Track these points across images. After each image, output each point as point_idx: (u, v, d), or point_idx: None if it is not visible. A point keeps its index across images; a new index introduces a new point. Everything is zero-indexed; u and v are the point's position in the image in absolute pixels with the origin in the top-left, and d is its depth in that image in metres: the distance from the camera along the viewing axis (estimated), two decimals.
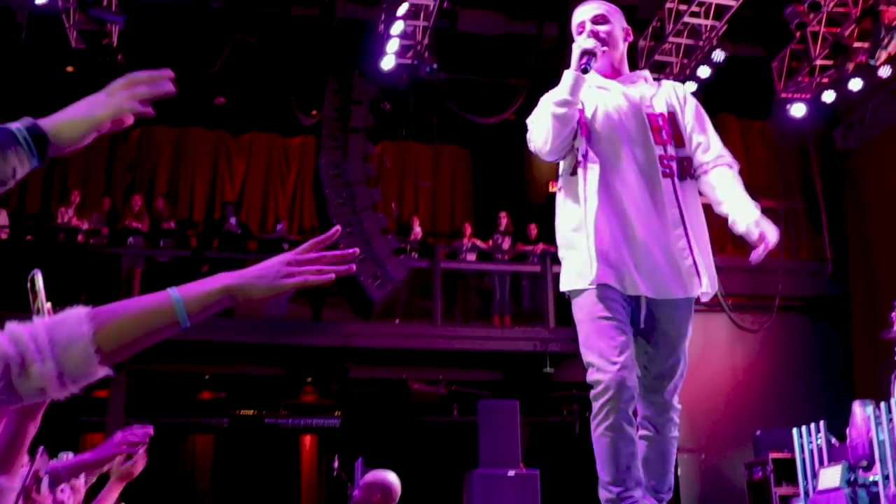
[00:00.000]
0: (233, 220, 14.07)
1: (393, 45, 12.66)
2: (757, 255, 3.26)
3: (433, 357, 13.00)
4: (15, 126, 1.54)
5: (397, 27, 12.37)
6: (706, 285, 3.39)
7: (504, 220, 14.40)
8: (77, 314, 1.54)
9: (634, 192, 3.36)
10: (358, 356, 12.82)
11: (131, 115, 1.76)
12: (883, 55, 11.91)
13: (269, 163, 16.41)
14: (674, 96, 3.59)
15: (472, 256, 14.30)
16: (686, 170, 3.45)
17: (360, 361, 12.90)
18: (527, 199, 15.95)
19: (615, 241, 3.35)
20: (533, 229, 14.47)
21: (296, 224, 16.01)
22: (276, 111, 14.89)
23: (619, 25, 3.63)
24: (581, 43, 3.47)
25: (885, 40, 11.78)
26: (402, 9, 12.05)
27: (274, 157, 16.44)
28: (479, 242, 14.32)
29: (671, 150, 3.43)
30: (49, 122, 1.59)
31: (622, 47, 3.65)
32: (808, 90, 13.35)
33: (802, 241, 14.73)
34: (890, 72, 12.23)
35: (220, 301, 1.69)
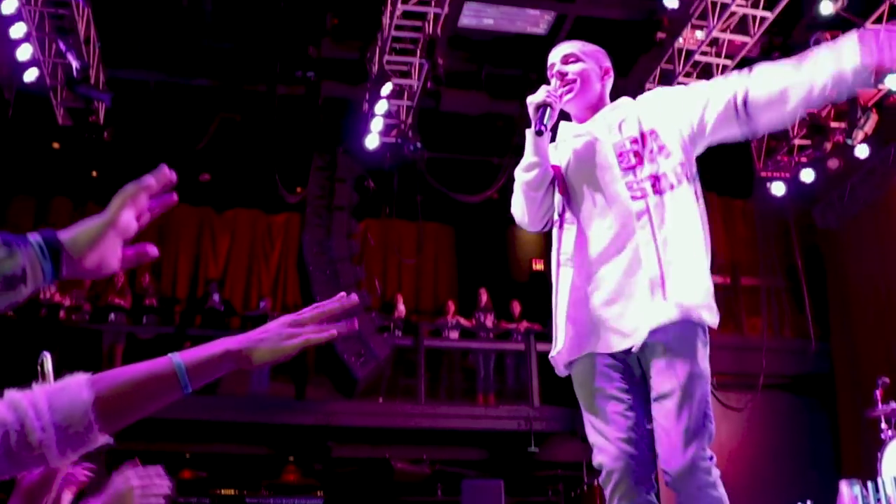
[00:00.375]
0: (216, 297, 14.01)
1: (377, 125, 12.77)
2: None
3: (417, 436, 12.89)
4: (32, 235, 1.49)
5: (381, 106, 12.49)
6: (671, 300, 2.91)
7: (484, 296, 14.38)
8: (77, 381, 1.53)
9: (603, 239, 3.07)
10: (341, 435, 12.71)
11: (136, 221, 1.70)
12: (860, 135, 12.10)
13: (253, 239, 16.42)
14: (649, 105, 3.25)
15: (455, 334, 14.24)
16: (664, 182, 3.04)
17: (343, 440, 12.78)
18: (510, 276, 15.97)
19: (583, 303, 3.10)
20: (516, 307, 14.44)
21: (279, 301, 15.94)
22: (260, 188, 14.93)
23: (593, 63, 3.35)
24: (532, 99, 3.20)
25: (862, 120, 11.99)
26: (387, 89, 12.18)
27: (258, 234, 16.46)
28: (462, 320, 14.29)
29: (642, 172, 3.05)
30: (64, 232, 1.55)
31: (598, 87, 3.34)
32: (788, 169, 13.53)
33: (786, 319, 14.78)
34: (867, 152, 12.41)
35: (222, 365, 1.67)
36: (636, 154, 3.08)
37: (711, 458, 2.92)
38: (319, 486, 14.16)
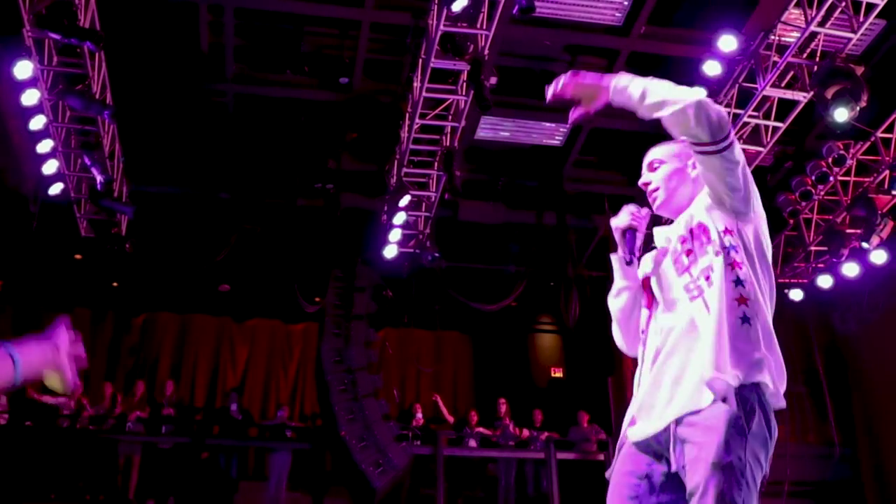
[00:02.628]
0: (234, 406, 13.95)
1: (395, 235, 12.90)
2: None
3: None
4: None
5: (400, 217, 12.63)
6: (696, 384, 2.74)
7: (503, 406, 14.24)
8: None
9: (653, 343, 2.95)
10: None
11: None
12: (876, 240, 12.12)
13: (272, 349, 16.45)
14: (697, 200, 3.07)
15: (474, 443, 14.06)
16: (710, 274, 2.82)
17: None
18: (531, 383, 15.85)
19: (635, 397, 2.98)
20: (538, 415, 14.28)
21: (297, 410, 15.88)
22: (279, 298, 15.03)
23: (678, 163, 3.14)
24: (615, 222, 3.12)
25: (880, 226, 12.02)
26: (405, 200, 12.34)
27: (277, 343, 16.49)
28: (483, 430, 14.11)
29: (696, 269, 2.87)
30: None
31: (688, 186, 3.11)
32: (805, 275, 13.53)
33: (809, 425, 14.54)
34: (885, 258, 12.40)
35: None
36: (687, 252, 2.92)
37: None
38: None
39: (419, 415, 14.43)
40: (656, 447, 2.83)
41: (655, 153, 3.19)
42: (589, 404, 14.35)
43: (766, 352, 2.78)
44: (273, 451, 13.31)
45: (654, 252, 3.12)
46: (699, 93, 2.73)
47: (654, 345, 2.91)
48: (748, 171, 2.87)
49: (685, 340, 2.81)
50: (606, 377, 14.16)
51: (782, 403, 2.82)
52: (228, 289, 15.68)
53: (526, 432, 14.19)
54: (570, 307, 14.38)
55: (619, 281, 3.10)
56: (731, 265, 2.81)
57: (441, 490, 12.96)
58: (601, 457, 13.51)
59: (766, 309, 2.86)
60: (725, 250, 2.82)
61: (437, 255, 13.13)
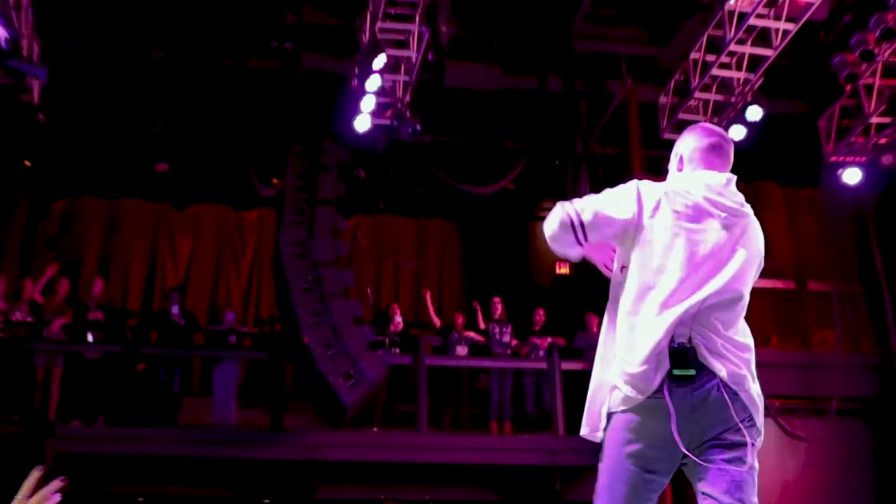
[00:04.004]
0: (175, 309, 14.07)
1: (369, 103, 12.84)
2: None
3: (417, 473, 12.92)
4: None
5: (374, 82, 12.55)
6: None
7: (499, 307, 14.42)
8: None
9: None
10: (326, 472, 12.73)
11: None
12: None
13: (221, 240, 16.52)
14: None
15: (464, 350, 14.32)
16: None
17: (328, 479, 12.79)
18: (531, 281, 16.00)
19: None
20: (539, 317, 14.48)
21: (251, 313, 16.03)
22: (228, 180, 15.05)
23: (672, 157, 4.05)
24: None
25: None
26: (380, 61, 12.24)
27: (226, 234, 16.56)
28: (473, 335, 14.35)
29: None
30: None
31: (673, 169, 4.03)
32: (863, 152, 13.52)
33: (863, 331, 14.79)
34: None
35: None
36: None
37: None
38: None
39: (397, 318, 14.60)
40: None
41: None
42: (599, 305, 14.47)
43: None
44: (221, 361, 13.54)
45: None
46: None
47: None
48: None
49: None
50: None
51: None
52: (167, 168, 15.64)
53: (524, 339, 14.47)
54: (578, 189, 14.41)
55: None
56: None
57: (423, 407, 13.21)
58: None
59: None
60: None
61: (418, 127, 13.09)
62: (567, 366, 13.54)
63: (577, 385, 13.13)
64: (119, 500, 13.06)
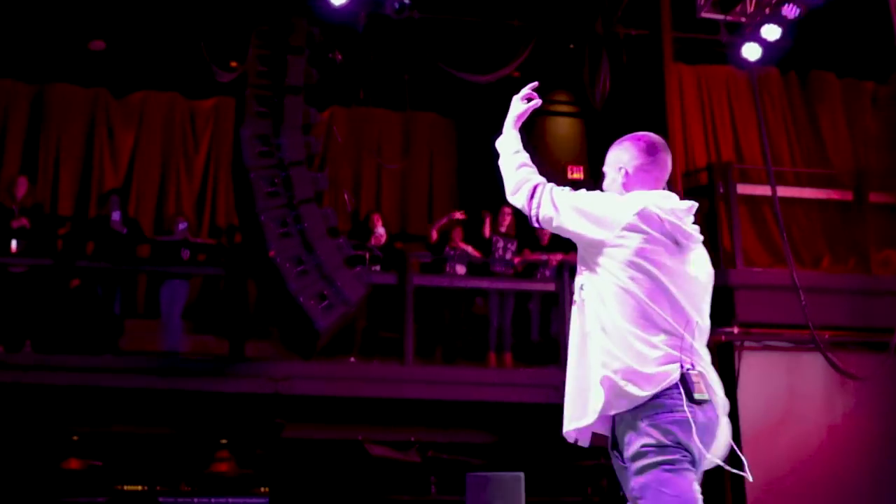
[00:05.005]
0: (116, 215, 13.94)
1: None
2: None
3: (402, 410, 12.99)
4: None
5: None
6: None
7: (508, 218, 14.34)
8: None
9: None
10: (295, 408, 12.75)
11: None
12: None
13: (169, 134, 16.38)
14: None
15: (459, 269, 14.26)
16: (582, 293, 4.47)
17: (297, 416, 12.83)
18: None
19: None
20: (547, 231, 14.34)
21: (206, 221, 15.93)
22: (178, 62, 14.83)
23: (611, 172, 4.69)
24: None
25: None
26: None
27: (175, 127, 16.41)
28: (470, 249, 14.28)
29: (579, 280, 4.55)
30: None
31: (619, 186, 4.61)
32: None
33: None
34: None
35: None
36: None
37: None
38: (263, 479, 14.30)
39: (379, 229, 14.48)
40: None
41: (606, 160, 4.75)
42: None
43: None
44: (171, 278, 13.44)
45: None
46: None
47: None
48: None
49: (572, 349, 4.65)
50: None
51: None
52: (104, 47, 15.42)
53: (531, 254, 14.39)
54: (597, 79, 14.29)
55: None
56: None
57: (409, 334, 13.23)
58: None
59: None
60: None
61: (406, 1, 12.91)
62: None
63: None
64: (50, 438, 13.07)
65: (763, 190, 13.98)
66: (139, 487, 13.96)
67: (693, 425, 4.09)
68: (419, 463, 12.88)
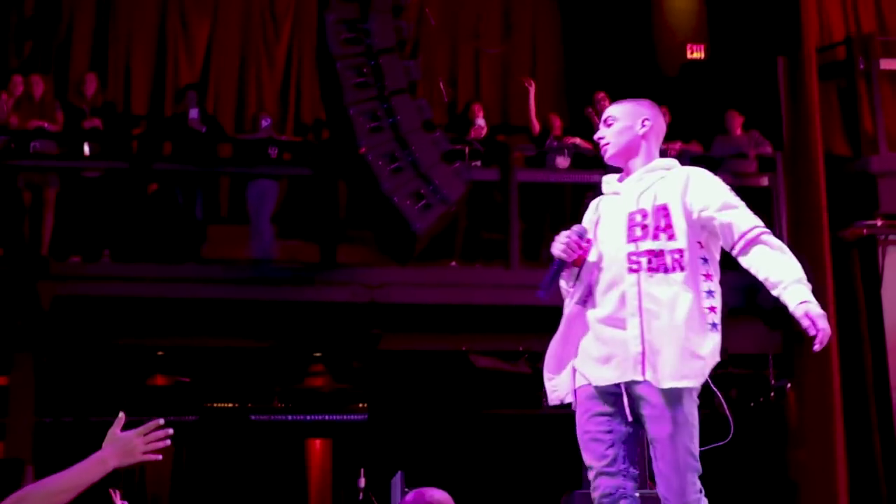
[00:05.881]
0: (193, 113, 14.07)
1: None
2: (817, 347, 4.58)
3: (509, 318, 12.95)
4: None
5: None
6: (650, 376, 4.74)
7: (606, 103, 14.23)
8: None
9: (606, 304, 4.98)
10: (392, 318, 12.89)
11: None
12: None
13: (247, 22, 16.37)
14: (675, 184, 4.99)
15: (564, 163, 14.26)
16: (659, 263, 4.83)
17: (395, 327, 12.95)
18: (655, 69, 15.74)
19: (584, 343, 5.11)
20: (664, 117, 14.24)
21: (290, 117, 15.98)
22: None
23: (626, 121, 5.16)
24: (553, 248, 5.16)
25: None
26: None
27: (253, 14, 16.39)
28: (578, 141, 14.22)
29: (644, 246, 4.87)
30: None
31: (637, 144, 5.16)
32: None
33: None
34: None
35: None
36: (643, 227, 4.91)
37: (701, 491, 4.83)
38: (361, 395, 14.52)
39: (479, 121, 14.47)
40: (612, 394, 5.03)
41: (611, 111, 5.25)
42: (743, 100, 14.32)
43: None
44: (256, 178, 13.59)
45: (605, 199, 5.29)
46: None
47: (604, 308, 5.04)
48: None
49: (632, 324, 4.93)
50: (776, 56, 14.02)
51: None
52: None
53: None
54: None
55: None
56: (691, 282, 4.88)
57: (514, 235, 13.23)
58: (764, 181, 13.64)
59: None
60: (685, 267, 4.88)
61: None
62: None
63: None
64: (132, 353, 13.37)
65: None
66: (230, 405, 14.31)
67: None
68: (529, 374, 12.94)
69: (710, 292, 4.83)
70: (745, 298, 12.55)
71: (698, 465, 4.81)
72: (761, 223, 4.81)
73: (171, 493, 14.81)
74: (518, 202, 13.42)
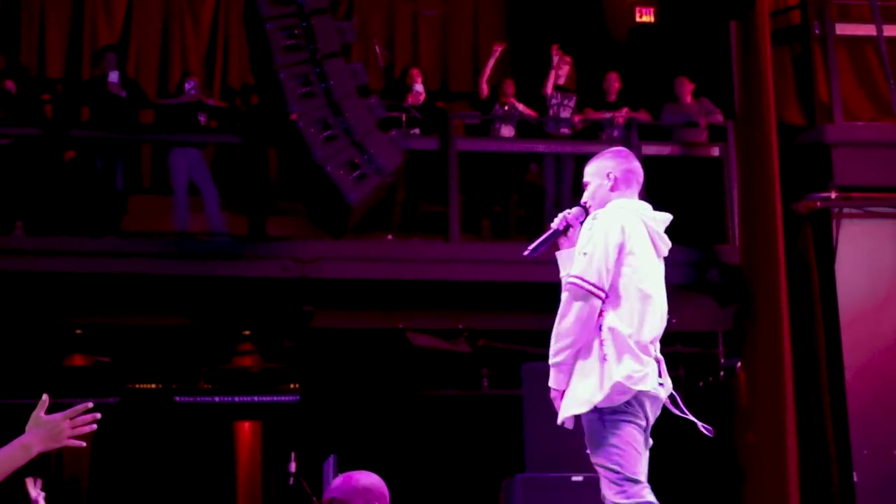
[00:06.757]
0: (113, 76, 13.97)
1: None
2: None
3: (448, 294, 13.15)
4: None
5: None
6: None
7: (566, 67, 14.38)
8: None
9: None
10: (325, 294, 12.97)
11: None
12: None
13: None
14: None
15: (509, 131, 14.40)
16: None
17: (328, 303, 13.04)
18: (603, 32, 15.82)
19: None
20: (612, 83, 14.55)
21: (217, 80, 15.92)
22: None
23: (596, 180, 6.05)
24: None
25: None
26: None
27: None
28: (522, 108, 14.35)
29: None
30: None
31: (605, 195, 5.97)
32: None
33: None
34: None
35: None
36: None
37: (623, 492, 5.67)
38: (292, 375, 14.53)
39: (418, 86, 14.50)
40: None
41: (585, 172, 6.15)
42: (693, 66, 14.55)
43: None
44: (180, 145, 13.59)
45: None
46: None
47: None
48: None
49: None
50: (728, 20, 14.12)
51: None
52: None
53: (594, 112, 14.46)
54: None
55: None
56: None
57: (454, 207, 13.28)
58: (715, 151, 13.79)
59: None
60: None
61: None
62: (650, 149, 13.54)
63: (663, 176, 13.13)
64: (48, 332, 13.34)
65: (867, 29, 13.97)
66: (153, 385, 14.29)
67: None
68: (469, 353, 13.02)
69: (599, 327, 5.73)
70: (694, 274, 12.74)
71: (616, 475, 5.69)
72: (577, 276, 5.73)
73: (90, 479, 14.76)
74: (458, 173, 13.42)
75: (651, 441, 5.84)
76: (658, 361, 5.78)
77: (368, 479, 5.11)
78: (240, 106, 14.92)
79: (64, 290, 12.56)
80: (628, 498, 5.66)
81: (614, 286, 5.71)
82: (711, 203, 13.63)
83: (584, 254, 5.73)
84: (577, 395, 5.84)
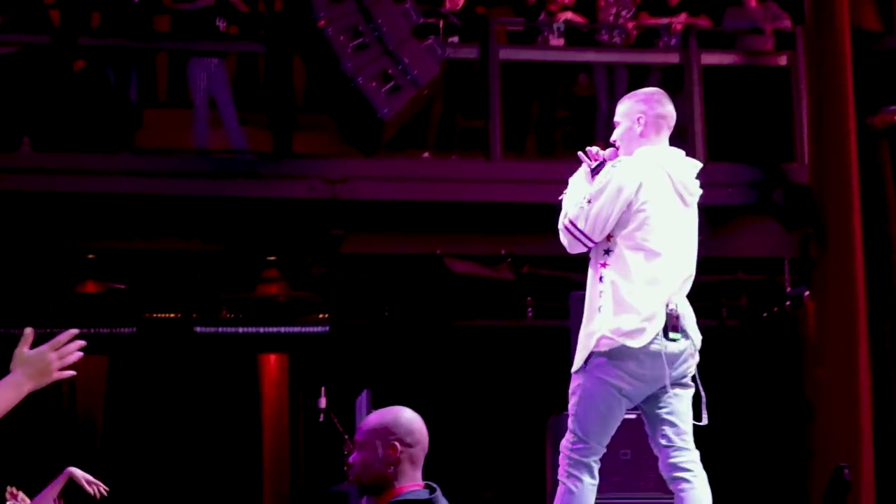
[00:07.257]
0: None
1: None
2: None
3: (490, 217, 13.08)
4: None
5: None
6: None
7: None
8: None
9: None
10: (357, 217, 12.90)
11: None
12: None
13: None
14: None
15: (557, 42, 14.14)
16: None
17: (360, 226, 12.96)
18: None
19: None
20: None
21: None
22: None
23: (626, 122, 6.35)
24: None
25: None
26: None
27: None
28: (571, 15, 14.12)
29: None
30: None
31: (634, 138, 6.30)
32: None
33: None
34: None
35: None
36: None
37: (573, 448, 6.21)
38: (321, 304, 14.50)
39: None
40: None
41: (616, 112, 6.46)
42: None
43: None
44: (199, 55, 13.43)
45: None
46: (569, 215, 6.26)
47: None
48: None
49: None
50: None
51: None
52: None
53: (650, 17, 14.23)
54: None
55: None
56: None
57: (496, 122, 13.19)
58: (782, 60, 13.59)
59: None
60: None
61: None
62: (710, 59, 13.46)
63: (725, 88, 12.94)
64: (58, 257, 13.29)
65: None
66: (172, 315, 14.26)
67: None
68: (512, 281, 12.98)
69: (601, 278, 6.13)
70: (758, 195, 12.59)
71: (575, 427, 6.19)
72: (571, 220, 6.18)
73: (105, 416, 14.94)
74: (500, 85, 13.32)
75: (692, 386, 6.18)
76: (675, 316, 5.98)
77: (407, 414, 4.86)
78: (263, 11, 14.69)
79: (74, 211, 12.50)
80: (573, 455, 6.16)
81: (617, 241, 6.07)
82: (777, 117, 13.41)
83: (589, 201, 6.09)
84: (581, 342, 6.21)
